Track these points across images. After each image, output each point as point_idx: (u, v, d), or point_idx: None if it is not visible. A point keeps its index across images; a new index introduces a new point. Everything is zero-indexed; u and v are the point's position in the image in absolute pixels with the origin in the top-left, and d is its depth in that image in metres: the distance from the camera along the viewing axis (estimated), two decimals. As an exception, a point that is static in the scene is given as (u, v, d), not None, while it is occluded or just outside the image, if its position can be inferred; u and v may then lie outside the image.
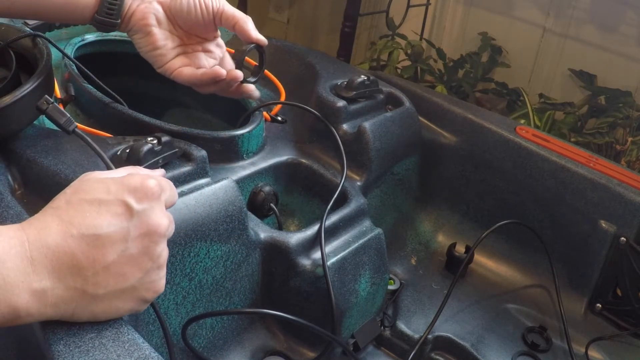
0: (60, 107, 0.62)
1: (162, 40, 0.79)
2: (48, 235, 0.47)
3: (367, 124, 0.96)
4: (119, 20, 0.77)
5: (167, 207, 0.55)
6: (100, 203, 0.49)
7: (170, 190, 0.55)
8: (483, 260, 1.10)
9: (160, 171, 0.64)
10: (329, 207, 0.83)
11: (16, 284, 0.45)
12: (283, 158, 0.93)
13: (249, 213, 0.79)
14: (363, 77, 1.01)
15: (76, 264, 0.47)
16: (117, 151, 0.70)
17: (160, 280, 0.52)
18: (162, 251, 0.52)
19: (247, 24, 0.80)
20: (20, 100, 0.66)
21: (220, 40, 0.86)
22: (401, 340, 0.91)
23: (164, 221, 0.52)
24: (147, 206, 0.50)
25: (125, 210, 0.49)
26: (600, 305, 1.01)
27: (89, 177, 0.53)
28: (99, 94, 0.85)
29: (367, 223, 0.88)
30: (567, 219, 1.03)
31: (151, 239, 0.50)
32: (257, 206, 0.86)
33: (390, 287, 0.97)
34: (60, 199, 0.50)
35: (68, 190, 0.51)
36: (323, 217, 0.81)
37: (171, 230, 0.54)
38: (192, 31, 0.81)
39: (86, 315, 0.49)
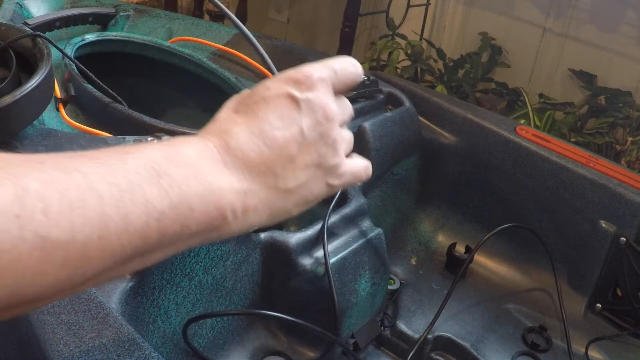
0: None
1: None
2: (231, 138, 0.46)
3: (367, 124, 0.96)
4: None
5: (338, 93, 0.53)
6: (265, 100, 0.48)
7: (339, 74, 0.52)
8: (483, 261, 1.10)
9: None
10: (331, 206, 0.83)
11: (219, 184, 0.43)
12: (283, 158, 0.92)
13: (249, 213, 0.79)
14: (363, 77, 1.01)
15: (265, 161, 0.46)
16: (117, 151, 0.70)
17: (340, 165, 0.51)
18: (337, 136, 0.50)
19: None
20: (20, 100, 0.66)
21: None
22: (401, 340, 0.91)
23: (332, 105, 0.50)
24: (311, 94, 0.49)
25: (290, 101, 0.48)
26: (600, 305, 1.01)
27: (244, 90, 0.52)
28: (99, 94, 0.85)
29: (367, 223, 0.88)
30: (567, 219, 1.03)
31: (323, 125, 0.49)
32: (257, 206, 0.86)
33: (390, 287, 0.97)
34: (223, 113, 0.49)
35: (228, 104, 0.50)
36: (325, 217, 0.81)
37: (345, 115, 0.52)
38: None
39: (281, 214, 0.49)
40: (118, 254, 0.38)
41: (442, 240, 1.12)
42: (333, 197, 0.86)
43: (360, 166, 0.55)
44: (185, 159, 0.43)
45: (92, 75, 0.87)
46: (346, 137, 0.52)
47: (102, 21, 1.17)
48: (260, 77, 1.15)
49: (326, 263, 0.77)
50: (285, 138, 0.47)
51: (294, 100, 0.48)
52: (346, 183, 0.53)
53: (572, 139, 1.71)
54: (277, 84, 0.49)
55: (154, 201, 0.39)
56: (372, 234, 0.86)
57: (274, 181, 0.47)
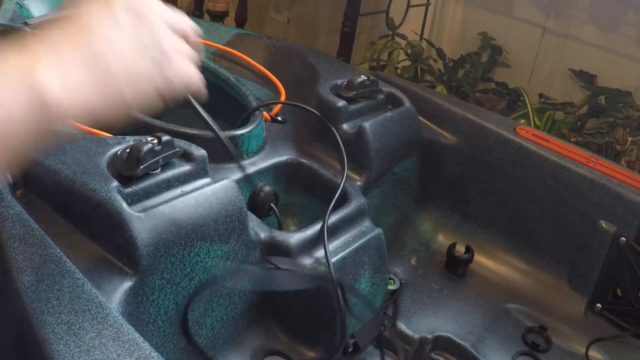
0: None
1: None
2: (44, 29, 0.48)
3: (367, 124, 0.96)
4: None
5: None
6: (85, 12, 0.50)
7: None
8: (483, 260, 1.10)
9: None
10: (330, 207, 0.83)
11: (25, 64, 0.45)
12: (283, 158, 0.93)
13: (249, 213, 0.79)
14: (363, 77, 1.01)
15: (75, 37, 0.48)
16: (117, 151, 0.70)
17: (170, 59, 0.52)
18: (160, 28, 0.51)
19: None
20: (20, 100, 0.66)
21: None
22: (401, 340, 0.91)
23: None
24: None
25: (104, 3, 0.49)
26: (600, 305, 1.01)
27: None
28: (99, 93, 0.84)
29: (367, 223, 0.88)
30: (567, 219, 1.03)
31: (137, 10, 0.50)
32: (257, 206, 0.86)
33: (390, 287, 0.97)
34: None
35: None
36: (325, 217, 0.81)
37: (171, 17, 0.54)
38: None
39: (114, 95, 0.49)
40: None
41: (442, 240, 1.12)
42: (333, 196, 0.86)
43: (191, 69, 0.56)
44: None
45: (92, 75, 0.87)
46: (176, 40, 0.53)
47: (102, 21, 1.16)
48: (260, 77, 1.15)
49: (328, 262, 0.77)
50: (99, 19, 0.48)
51: (108, 2, 0.50)
52: (181, 78, 0.54)
53: (572, 139, 1.71)
54: None
55: None
56: (372, 234, 0.86)
57: (92, 58, 0.47)
